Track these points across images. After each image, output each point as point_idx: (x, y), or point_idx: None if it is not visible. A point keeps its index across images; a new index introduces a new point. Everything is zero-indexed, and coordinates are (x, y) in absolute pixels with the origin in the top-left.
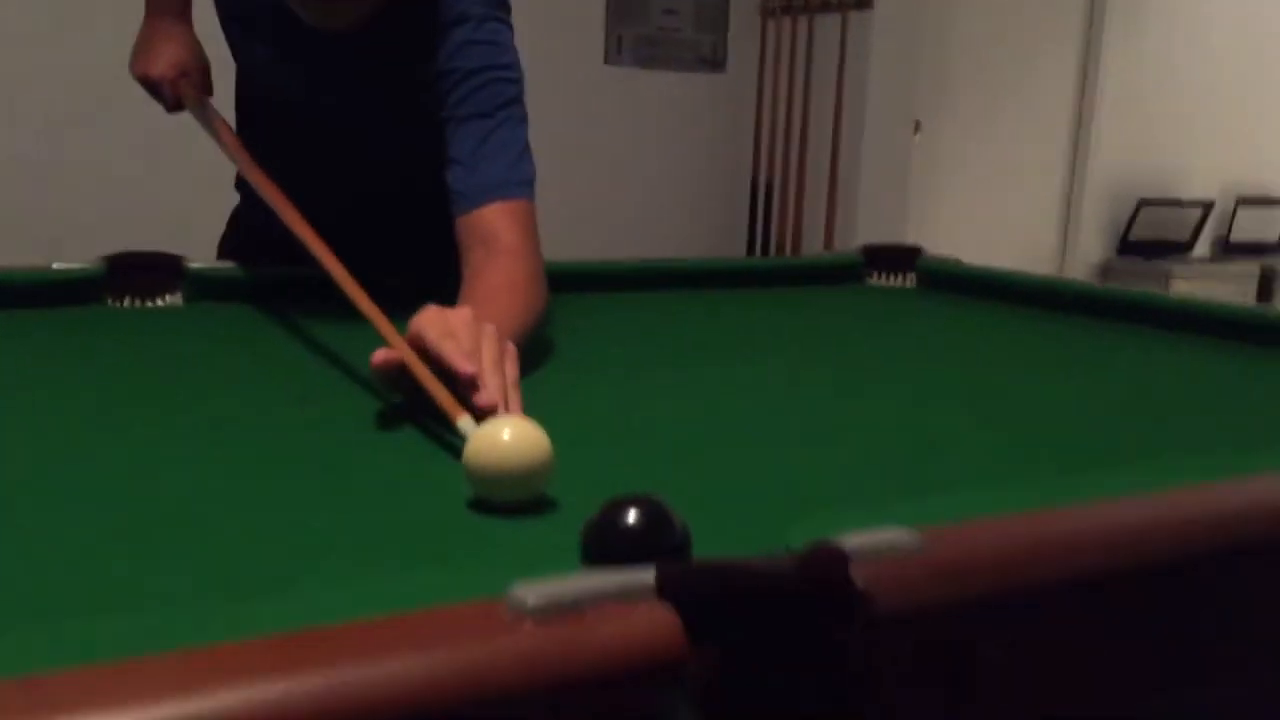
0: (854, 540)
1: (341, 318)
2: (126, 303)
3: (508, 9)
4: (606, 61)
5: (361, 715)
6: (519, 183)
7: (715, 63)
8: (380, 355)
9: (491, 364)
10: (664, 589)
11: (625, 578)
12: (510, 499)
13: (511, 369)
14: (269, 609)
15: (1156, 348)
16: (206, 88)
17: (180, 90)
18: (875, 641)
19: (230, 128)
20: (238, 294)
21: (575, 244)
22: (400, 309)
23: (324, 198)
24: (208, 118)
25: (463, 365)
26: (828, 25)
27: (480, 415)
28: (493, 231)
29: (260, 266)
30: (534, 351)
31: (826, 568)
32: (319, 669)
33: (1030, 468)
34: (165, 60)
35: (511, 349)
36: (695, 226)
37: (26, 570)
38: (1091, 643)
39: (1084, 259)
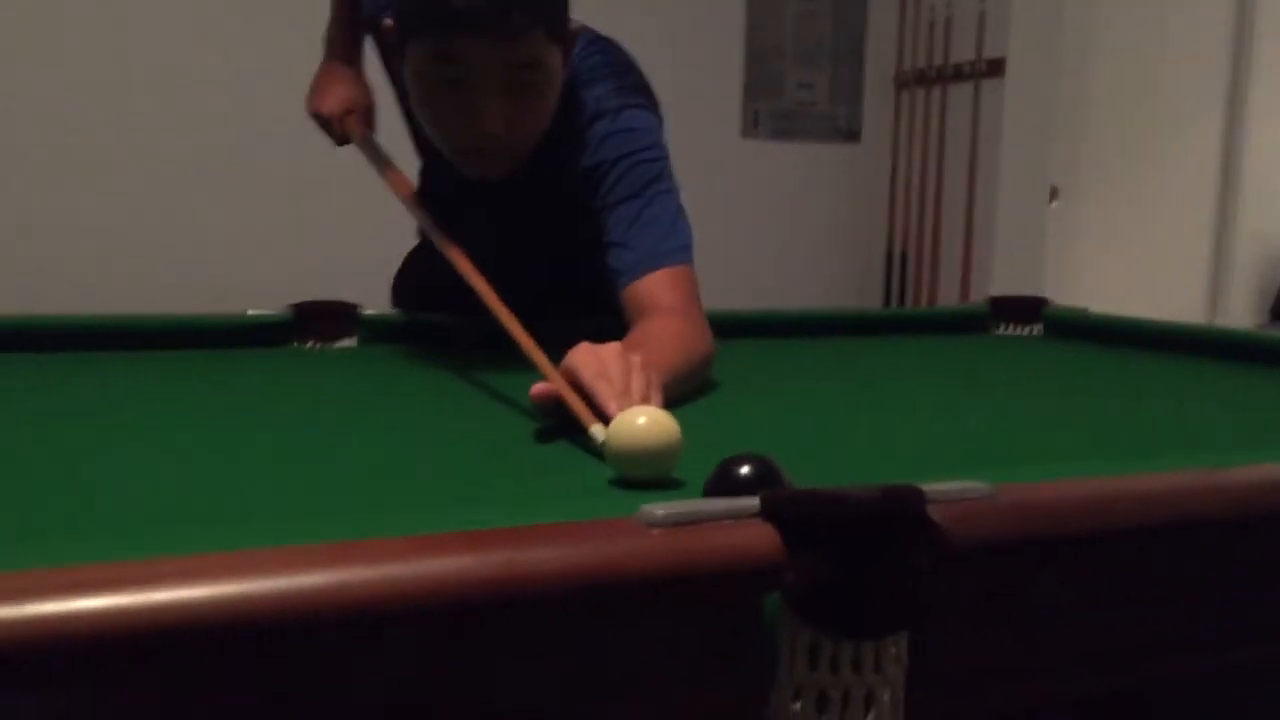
0: (934, 485)
1: (501, 356)
2: (310, 345)
3: (644, 92)
4: (744, 135)
5: (530, 587)
6: (674, 250)
7: (850, 134)
8: (539, 387)
9: (639, 397)
10: (766, 510)
11: (735, 502)
12: (644, 474)
13: (655, 398)
14: (456, 519)
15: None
16: (370, 125)
17: (347, 126)
18: (949, 572)
19: (394, 165)
20: (405, 337)
21: (719, 304)
22: (558, 348)
23: (490, 264)
24: (373, 152)
25: (612, 409)
26: (961, 94)
27: None
28: (652, 298)
29: (424, 313)
30: (688, 391)
31: (905, 500)
32: (500, 550)
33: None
34: (334, 98)
35: (657, 380)
36: (831, 294)
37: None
38: (1144, 589)
39: (1234, 324)
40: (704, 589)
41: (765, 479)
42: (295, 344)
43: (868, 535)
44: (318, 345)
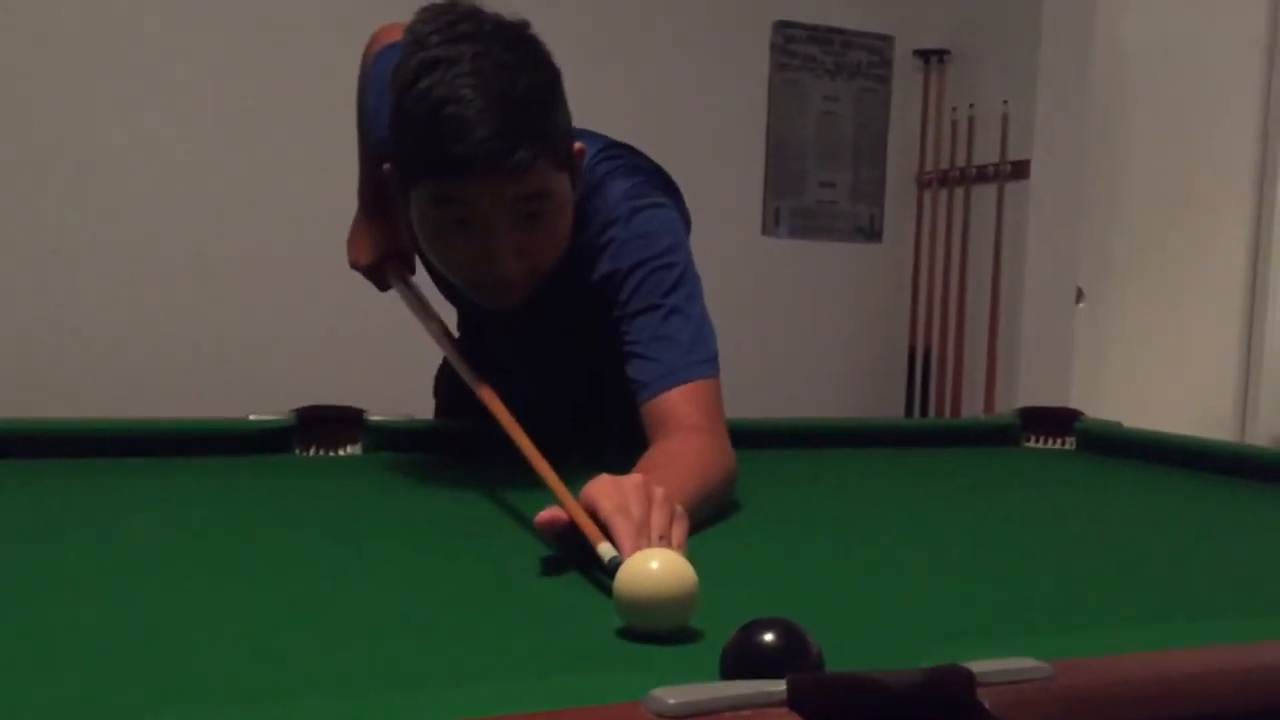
0: (984, 664)
1: (508, 474)
2: (313, 452)
3: (662, 188)
4: (764, 233)
5: None
6: (698, 363)
7: (872, 233)
8: (546, 514)
9: (659, 533)
10: (795, 700)
11: (759, 687)
12: (656, 627)
13: (679, 532)
14: (440, 700)
15: None
16: (410, 268)
17: (386, 273)
18: None
19: (430, 307)
20: (414, 445)
21: (739, 408)
22: (575, 469)
23: (518, 386)
24: (410, 297)
25: (628, 550)
26: (984, 195)
27: None
28: (674, 415)
29: (436, 420)
30: (710, 514)
31: (953, 686)
32: None
33: (1163, 616)
34: (367, 249)
35: (680, 512)
36: (854, 394)
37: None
38: None
39: (1267, 432)
40: None
41: (790, 651)
42: (297, 451)
43: None
44: (320, 452)
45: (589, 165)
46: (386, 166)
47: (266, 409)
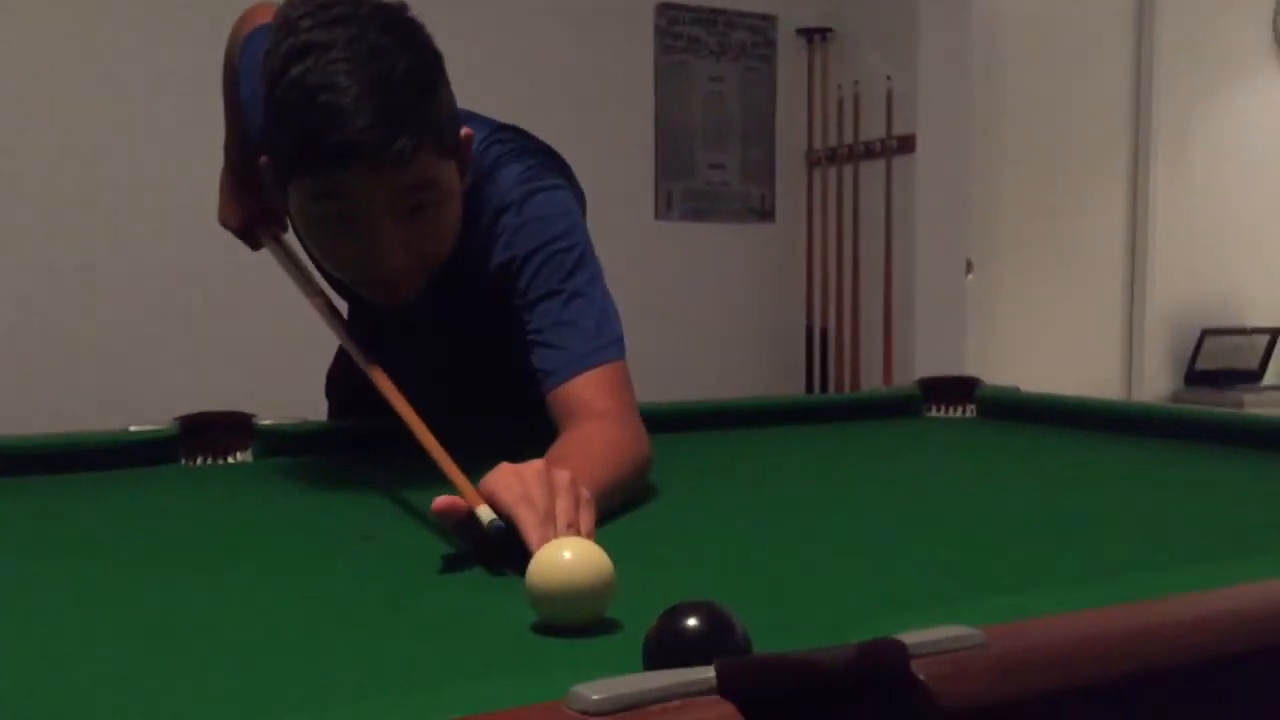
0: (917, 635)
1: (406, 471)
2: (199, 461)
3: (554, 170)
4: (658, 217)
5: None
6: (604, 346)
7: (764, 213)
8: (443, 501)
9: (566, 521)
10: (724, 685)
11: (686, 675)
12: (573, 619)
13: (586, 519)
14: (348, 713)
15: (1213, 463)
16: (282, 226)
17: (257, 235)
18: None
19: (308, 271)
20: (307, 448)
21: (639, 394)
22: (479, 463)
23: (409, 369)
24: (286, 259)
25: (537, 543)
26: (873, 171)
27: None
28: (582, 401)
29: (327, 421)
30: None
31: (886, 660)
32: None
33: (1082, 574)
34: (240, 210)
35: (586, 496)
36: (753, 373)
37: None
38: None
39: (1151, 391)
40: None
41: (716, 634)
42: (184, 461)
43: (845, 705)
44: (208, 461)
45: (478, 150)
46: (263, 159)
47: (147, 419)
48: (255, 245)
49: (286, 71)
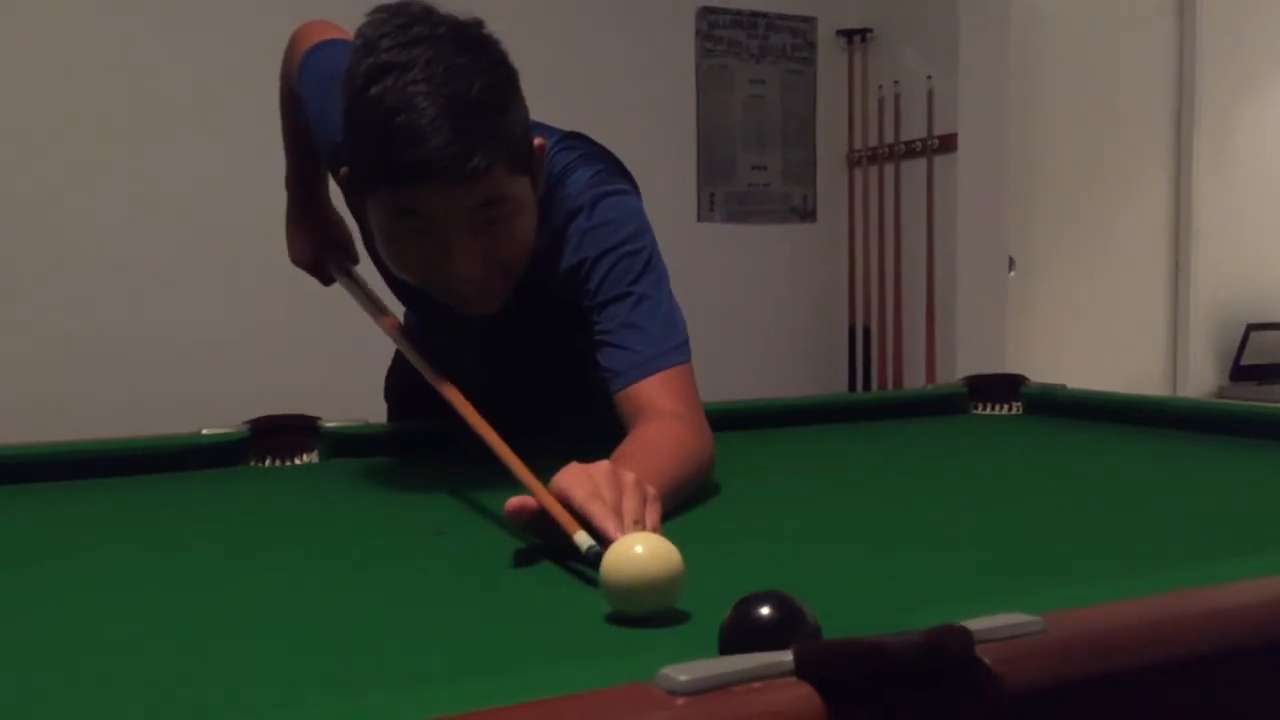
0: (979, 622)
1: (473, 470)
2: (268, 463)
3: (617, 171)
4: (700, 219)
5: None
6: (671, 350)
7: (806, 213)
8: (515, 501)
9: (633, 518)
10: (802, 668)
11: (766, 659)
12: (645, 609)
13: (652, 516)
14: (441, 695)
15: (1261, 457)
16: (352, 258)
17: (328, 268)
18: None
19: (378, 298)
20: (370, 450)
21: None
22: (543, 462)
23: (484, 383)
24: (356, 289)
25: (613, 532)
26: (914, 170)
27: None
28: (650, 402)
29: (391, 423)
30: (688, 498)
31: (953, 645)
32: None
33: (1137, 566)
34: (307, 246)
35: (652, 495)
36: (796, 372)
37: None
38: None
39: (1196, 387)
40: None
41: (789, 621)
42: (252, 463)
43: (915, 689)
44: (276, 463)
45: (549, 156)
46: (343, 171)
47: (217, 423)
48: (326, 280)
49: (366, 91)
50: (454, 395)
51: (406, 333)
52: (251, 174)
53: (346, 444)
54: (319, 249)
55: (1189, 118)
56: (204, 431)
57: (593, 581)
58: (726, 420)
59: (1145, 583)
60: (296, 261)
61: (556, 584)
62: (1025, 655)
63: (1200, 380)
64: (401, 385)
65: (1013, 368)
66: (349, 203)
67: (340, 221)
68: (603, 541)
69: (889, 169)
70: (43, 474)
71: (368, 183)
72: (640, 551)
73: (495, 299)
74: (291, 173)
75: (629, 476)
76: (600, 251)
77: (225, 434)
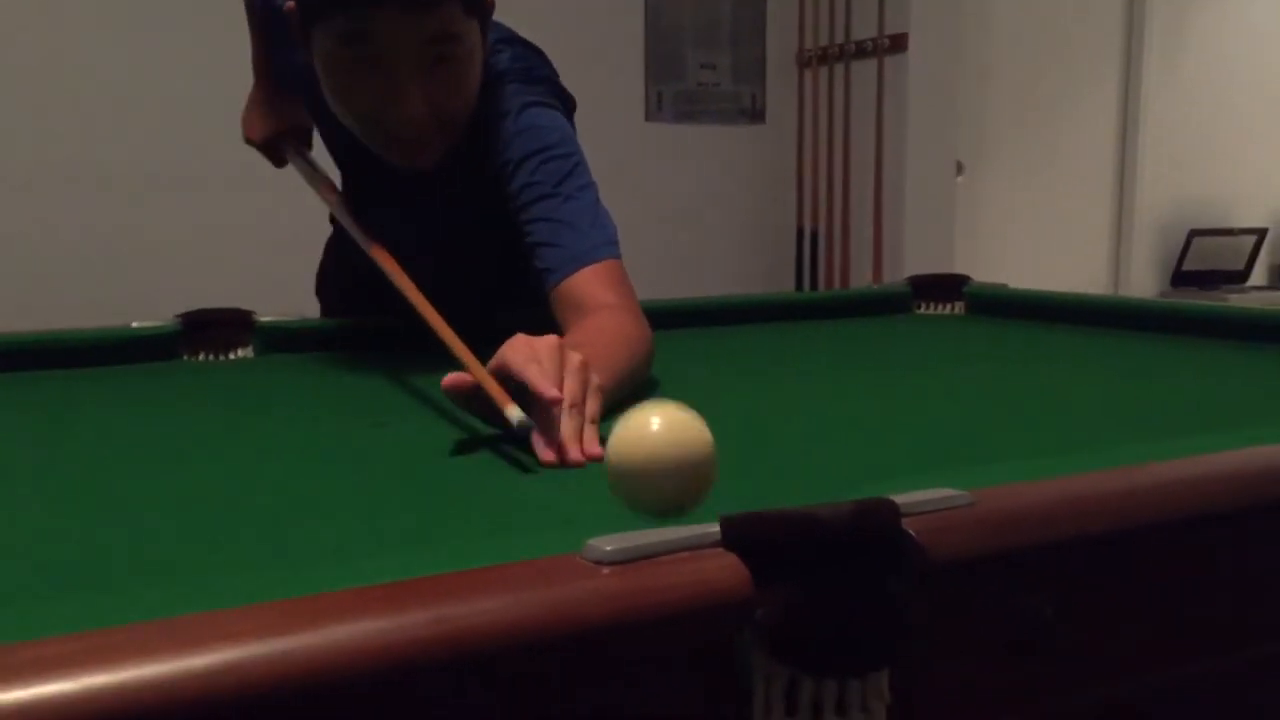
0: (908, 496)
1: (411, 363)
2: (201, 357)
3: (552, 92)
4: (648, 119)
5: (462, 648)
6: (601, 244)
7: (755, 114)
8: (452, 378)
9: (571, 401)
10: (728, 538)
11: (693, 530)
12: (661, 507)
13: (593, 405)
14: (371, 567)
15: (1196, 352)
16: (306, 144)
17: (281, 151)
18: (929, 592)
19: (330, 182)
20: (306, 345)
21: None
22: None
23: (418, 266)
24: (308, 171)
25: (546, 390)
26: (864, 71)
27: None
28: (586, 295)
29: (326, 318)
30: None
31: (880, 517)
32: (426, 608)
33: (1067, 448)
34: (264, 124)
35: (595, 382)
36: (743, 274)
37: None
38: (1134, 597)
39: (1138, 292)
40: (667, 632)
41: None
42: (185, 357)
43: (842, 559)
44: (210, 358)
45: (491, 49)
46: (289, 5)
47: (148, 317)
48: (279, 160)
49: None
50: (384, 259)
51: (344, 201)
52: (188, 71)
53: (283, 339)
54: (276, 130)
55: (1140, 23)
56: (134, 325)
57: (527, 468)
58: (673, 317)
59: (1070, 461)
60: (250, 141)
61: (497, 471)
62: (951, 527)
63: (1142, 285)
64: (335, 283)
65: (960, 270)
66: (301, 54)
67: (299, 105)
68: (534, 410)
69: (839, 69)
70: None
71: (318, 6)
72: (658, 426)
73: (432, 153)
74: (255, 45)
75: (575, 357)
76: (526, 154)
77: (156, 327)
